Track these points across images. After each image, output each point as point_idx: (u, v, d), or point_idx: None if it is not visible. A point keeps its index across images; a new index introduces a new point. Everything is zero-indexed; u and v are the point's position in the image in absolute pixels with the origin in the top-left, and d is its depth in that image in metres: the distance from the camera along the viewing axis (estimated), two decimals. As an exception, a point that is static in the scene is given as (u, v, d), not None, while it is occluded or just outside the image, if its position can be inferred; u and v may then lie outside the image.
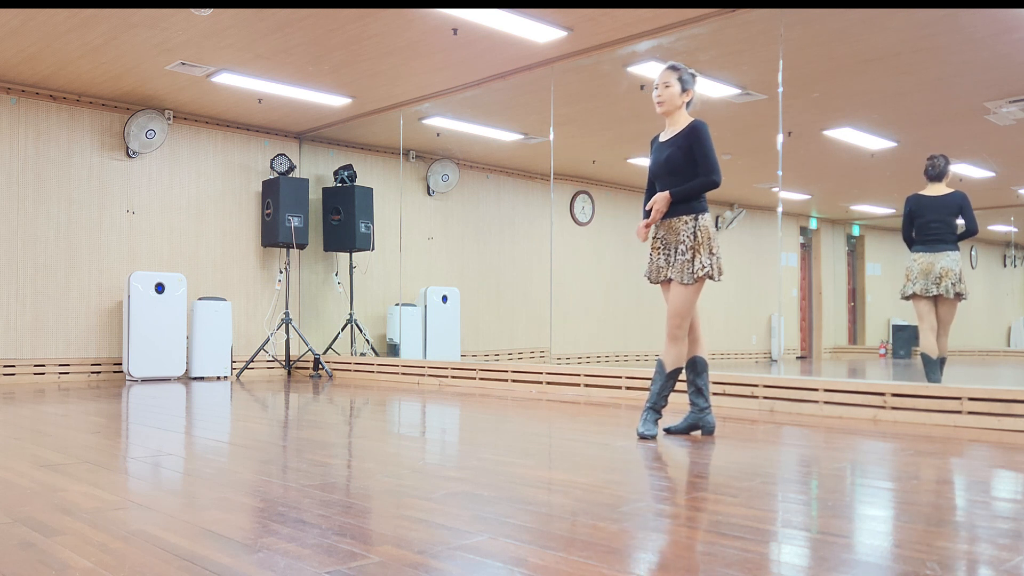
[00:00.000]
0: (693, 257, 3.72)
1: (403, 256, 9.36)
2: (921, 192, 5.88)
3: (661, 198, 3.75)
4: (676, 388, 5.64)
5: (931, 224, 5.74)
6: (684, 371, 3.94)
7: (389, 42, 6.10)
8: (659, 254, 3.87)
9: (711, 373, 5.37)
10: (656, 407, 3.86)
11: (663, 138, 3.90)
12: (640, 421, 3.86)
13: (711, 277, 3.72)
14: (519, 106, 7.84)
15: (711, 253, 3.73)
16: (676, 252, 3.77)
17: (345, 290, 9.07)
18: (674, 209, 3.78)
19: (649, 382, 5.67)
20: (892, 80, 6.68)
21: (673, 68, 3.84)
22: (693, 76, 3.86)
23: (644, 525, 2.12)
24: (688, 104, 3.86)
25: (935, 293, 5.70)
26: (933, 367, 5.73)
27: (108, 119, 7.73)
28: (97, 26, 5.79)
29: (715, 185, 3.71)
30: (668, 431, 3.95)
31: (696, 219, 3.74)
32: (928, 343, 5.77)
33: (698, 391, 3.90)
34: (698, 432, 3.94)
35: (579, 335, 10.52)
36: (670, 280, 3.84)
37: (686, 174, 3.76)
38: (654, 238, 3.91)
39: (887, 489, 2.62)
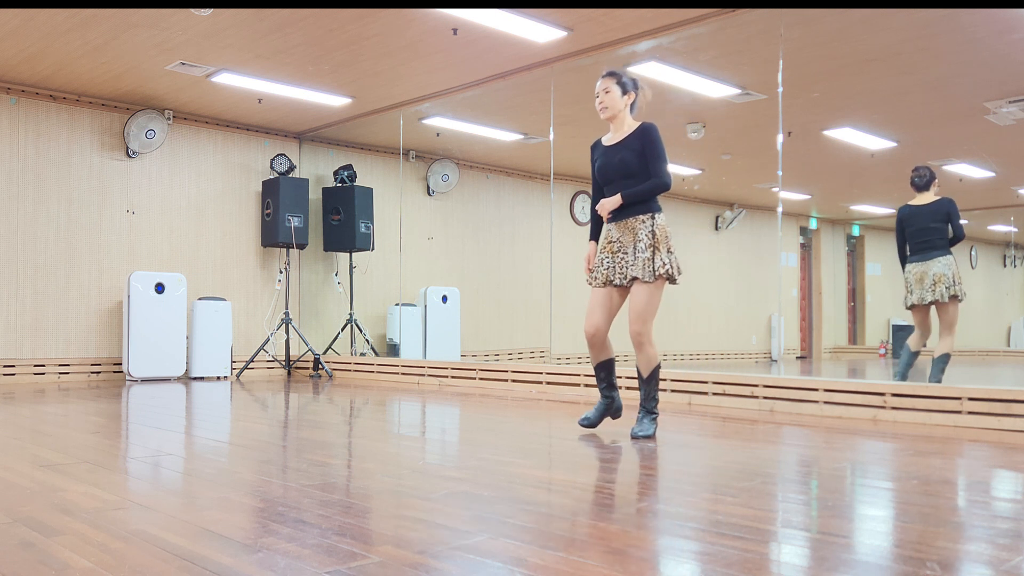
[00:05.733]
0: (653, 255, 3.72)
1: (403, 256, 9.36)
2: (910, 202, 6.05)
3: (611, 201, 3.77)
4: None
5: (921, 232, 5.92)
6: (599, 369, 3.97)
7: (389, 42, 6.10)
8: (615, 257, 3.86)
9: (710, 372, 5.42)
10: (647, 408, 3.88)
11: (609, 142, 3.90)
12: (636, 422, 3.88)
13: (671, 278, 3.73)
14: (519, 106, 7.84)
15: (669, 251, 3.75)
16: (635, 251, 3.76)
17: (345, 290, 9.07)
18: (630, 210, 3.78)
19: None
20: (892, 80, 6.68)
21: (612, 74, 3.89)
22: (634, 81, 3.91)
23: (644, 525, 2.12)
24: (632, 107, 3.90)
25: (931, 300, 5.86)
26: (909, 357, 5.97)
27: (108, 119, 7.73)
28: (97, 26, 5.79)
29: (666, 187, 3.73)
30: (581, 423, 3.99)
31: (653, 218, 3.76)
32: (914, 341, 6.05)
33: (611, 386, 3.99)
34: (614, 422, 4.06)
35: (579, 335, 10.52)
36: (625, 285, 3.83)
37: (640, 176, 3.77)
38: (608, 241, 3.89)
39: (887, 489, 2.62)
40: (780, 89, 6.14)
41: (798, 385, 4.99)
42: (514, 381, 6.69)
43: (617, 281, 3.83)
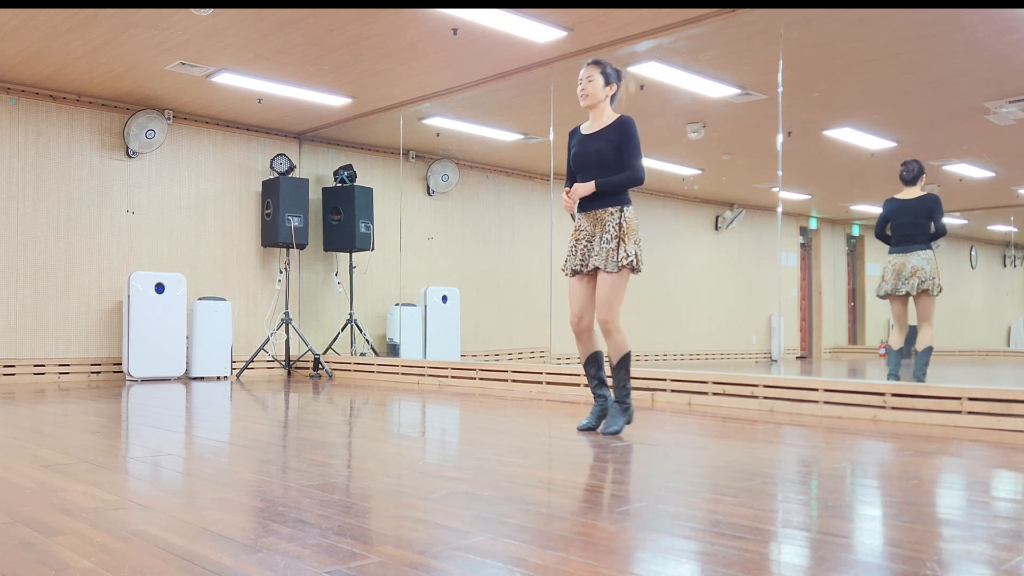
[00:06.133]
0: (618, 246, 3.80)
1: (403, 256, 9.36)
2: (897, 196, 6.20)
3: (585, 187, 3.83)
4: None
5: (904, 225, 6.08)
6: (588, 365, 4.03)
7: (389, 42, 6.10)
8: (579, 245, 3.94)
9: (710, 372, 5.41)
10: (619, 398, 3.94)
11: (587, 131, 3.97)
12: (607, 417, 3.95)
13: (634, 268, 3.81)
14: (519, 106, 7.83)
15: (635, 243, 3.82)
16: (601, 241, 3.84)
17: (345, 290, 9.07)
18: (600, 201, 3.87)
19: (645, 382, 5.69)
20: (892, 80, 6.67)
21: (596, 63, 3.96)
22: (617, 72, 3.98)
23: (644, 525, 2.12)
24: (613, 99, 3.97)
25: (904, 291, 6.03)
26: (895, 356, 6.13)
27: (108, 119, 7.73)
28: (97, 26, 5.79)
29: (639, 182, 3.83)
30: (580, 429, 4.03)
31: (621, 211, 3.84)
32: (895, 338, 6.20)
33: (601, 383, 4.03)
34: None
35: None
36: (591, 273, 3.91)
37: (614, 167, 3.85)
38: (577, 230, 3.97)
39: (887, 489, 2.62)
40: (780, 89, 6.14)
41: (798, 385, 4.99)
42: (514, 381, 6.68)
43: (579, 267, 3.93)
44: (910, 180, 6.13)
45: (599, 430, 3.93)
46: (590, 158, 3.88)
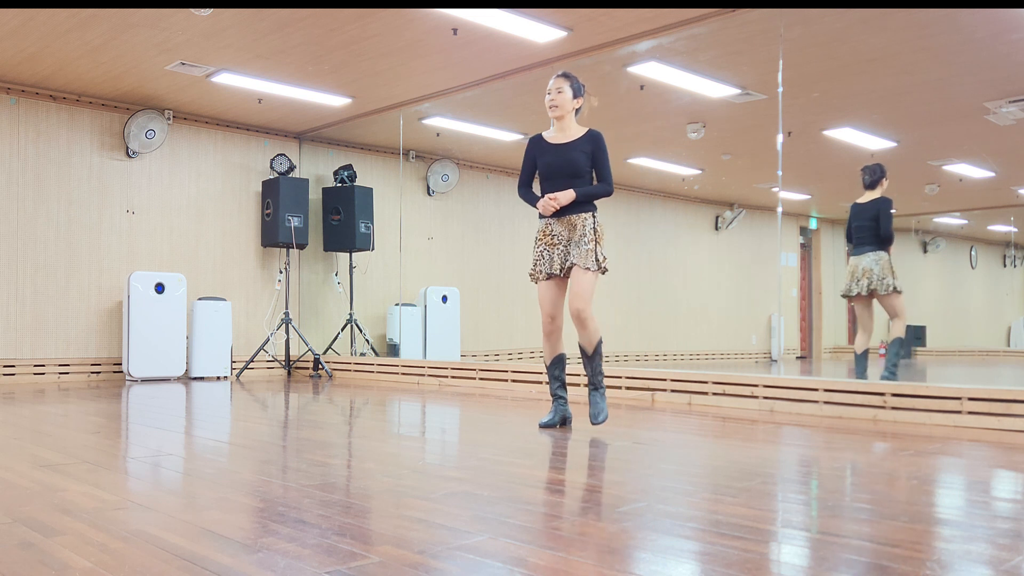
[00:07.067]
0: (595, 247, 4.01)
1: (403, 256, 9.36)
2: (857, 200, 6.39)
3: (566, 196, 3.99)
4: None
5: (859, 229, 6.29)
6: (551, 367, 4.21)
7: (389, 42, 6.10)
8: (554, 249, 4.10)
9: (710, 372, 5.44)
10: (595, 383, 4.13)
11: (555, 140, 4.17)
12: (590, 406, 4.12)
13: (604, 270, 4.03)
14: (519, 106, 7.83)
15: (602, 248, 4.07)
16: (578, 243, 4.03)
17: (345, 290, 9.07)
18: (575, 208, 4.06)
19: (645, 382, 5.69)
20: (892, 80, 6.67)
21: (565, 76, 4.14)
22: (583, 86, 4.19)
23: (644, 525, 2.12)
24: (577, 111, 4.18)
25: (856, 292, 6.22)
26: (860, 362, 6.27)
27: (108, 119, 7.73)
28: (97, 26, 5.79)
29: (611, 193, 4.09)
30: (543, 426, 4.17)
31: (593, 216, 4.06)
32: (858, 342, 6.35)
33: (563, 385, 4.23)
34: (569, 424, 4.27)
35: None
36: (563, 276, 4.08)
37: (586, 177, 4.07)
38: (548, 235, 4.13)
39: (887, 489, 2.62)
40: (780, 89, 6.14)
41: (798, 385, 4.99)
42: (514, 381, 6.68)
43: (556, 270, 4.08)
44: (869, 184, 6.29)
45: (592, 422, 4.06)
46: (564, 168, 4.06)
